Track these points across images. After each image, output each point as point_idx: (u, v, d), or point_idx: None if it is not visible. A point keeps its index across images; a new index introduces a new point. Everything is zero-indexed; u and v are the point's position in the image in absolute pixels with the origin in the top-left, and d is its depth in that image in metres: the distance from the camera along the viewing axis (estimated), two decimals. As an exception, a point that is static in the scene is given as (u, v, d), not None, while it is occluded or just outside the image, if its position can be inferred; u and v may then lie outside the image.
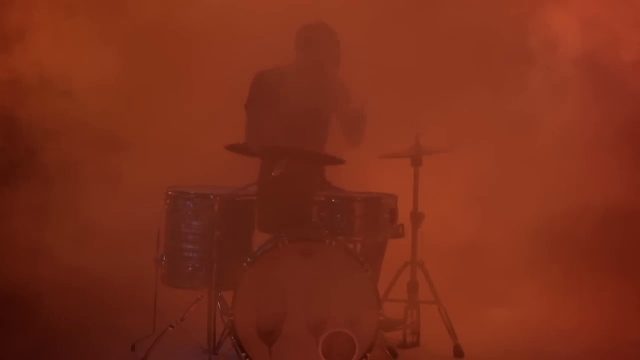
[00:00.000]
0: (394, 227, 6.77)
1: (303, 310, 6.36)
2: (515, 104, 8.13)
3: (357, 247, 6.77)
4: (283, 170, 6.50)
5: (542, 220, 8.25)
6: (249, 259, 6.43)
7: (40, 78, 8.03)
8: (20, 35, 8.06)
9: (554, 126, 8.15)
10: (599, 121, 8.10)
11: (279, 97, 6.79)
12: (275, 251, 6.39)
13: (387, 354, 6.70)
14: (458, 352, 7.06)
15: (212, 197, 6.59)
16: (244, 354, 6.35)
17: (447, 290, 7.26)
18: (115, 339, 7.02)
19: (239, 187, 6.68)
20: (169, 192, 6.75)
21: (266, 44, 7.52)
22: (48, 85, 8.03)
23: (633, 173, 8.21)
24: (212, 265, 6.52)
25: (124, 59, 8.21)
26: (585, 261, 8.22)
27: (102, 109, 8.15)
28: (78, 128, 8.08)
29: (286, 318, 6.36)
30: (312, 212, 6.65)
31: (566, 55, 8.15)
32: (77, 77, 8.13)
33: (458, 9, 8.17)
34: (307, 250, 6.41)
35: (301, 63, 6.93)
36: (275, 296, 6.38)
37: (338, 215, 6.64)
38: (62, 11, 8.14)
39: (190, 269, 6.65)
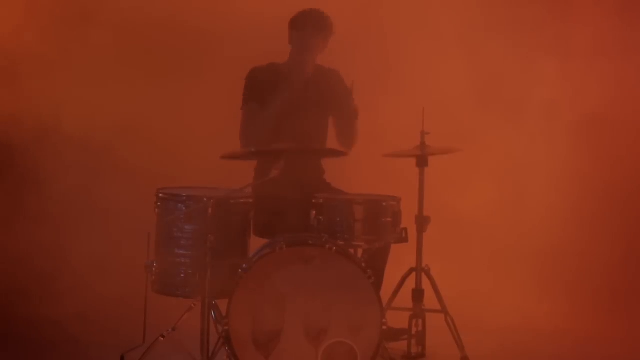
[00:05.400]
0: (397, 231, 6.66)
1: (302, 319, 6.25)
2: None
3: (358, 253, 6.68)
4: (281, 172, 6.39)
5: (550, 227, 8.28)
6: (244, 265, 6.32)
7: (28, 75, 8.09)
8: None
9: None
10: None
11: (276, 93, 6.84)
12: (272, 257, 6.28)
13: (391, 365, 6.61)
14: (465, 363, 7.02)
15: (206, 199, 6.43)
16: (238, 366, 6.28)
17: (454, 299, 7.17)
18: (103, 350, 6.94)
19: (234, 189, 6.53)
20: (160, 194, 6.63)
21: (266, 45, 7.48)
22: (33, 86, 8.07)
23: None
24: (205, 271, 6.36)
25: (117, 56, 8.24)
26: (597, 269, 8.21)
27: (91, 107, 8.16)
28: (66, 128, 8.10)
29: (284, 327, 6.25)
30: (311, 215, 6.56)
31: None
32: (65, 75, 8.15)
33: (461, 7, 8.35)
34: (306, 256, 6.30)
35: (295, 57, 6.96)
36: (272, 304, 6.26)
37: (337, 219, 6.54)
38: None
39: (182, 275, 6.50)
